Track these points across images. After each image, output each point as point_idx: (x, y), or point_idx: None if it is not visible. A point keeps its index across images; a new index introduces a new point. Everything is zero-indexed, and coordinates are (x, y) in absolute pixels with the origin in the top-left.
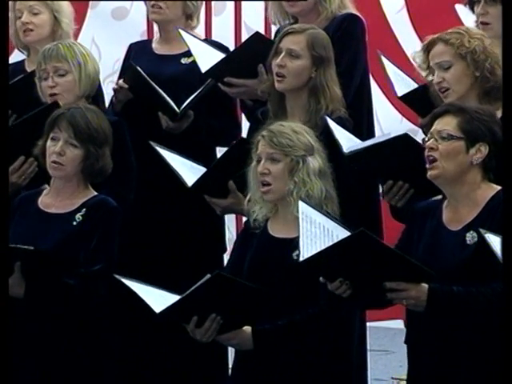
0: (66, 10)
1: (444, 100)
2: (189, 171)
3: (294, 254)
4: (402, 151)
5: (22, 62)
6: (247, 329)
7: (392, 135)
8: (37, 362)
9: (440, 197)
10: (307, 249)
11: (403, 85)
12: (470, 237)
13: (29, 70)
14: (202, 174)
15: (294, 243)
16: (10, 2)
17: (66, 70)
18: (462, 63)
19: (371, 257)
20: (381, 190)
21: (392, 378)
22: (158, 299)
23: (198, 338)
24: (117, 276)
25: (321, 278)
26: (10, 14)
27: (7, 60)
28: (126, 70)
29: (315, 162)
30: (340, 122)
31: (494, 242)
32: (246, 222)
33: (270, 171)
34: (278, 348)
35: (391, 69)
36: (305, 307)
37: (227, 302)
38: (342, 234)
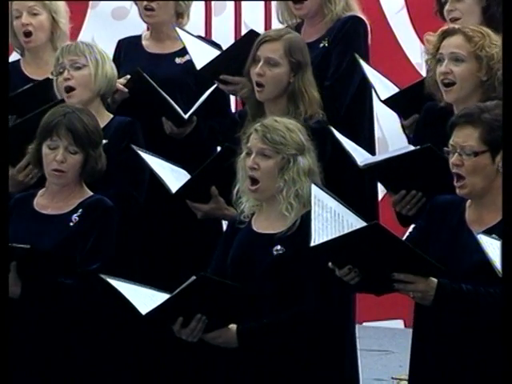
0: (63, 9)
1: (444, 94)
2: (171, 175)
3: (274, 250)
4: (424, 163)
5: (17, 62)
6: (232, 327)
7: (412, 148)
8: (34, 361)
9: None
10: (318, 234)
11: (383, 87)
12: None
13: (25, 69)
14: (186, 180)
15: (275, 239)
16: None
17: (83, 64)
18: (475, 63)
19: (383, 248)
20: (384, 195)
21: (392, 378)
22: (145, 300)
23: (184, 337)
24: (103, 276)
25: (330, 264)
26: None
27: (7, 60)
28: (132, 76)
29: (305, 161)
30: (319, 126)
31: (486, 242)
32: (230, 220)
33: (260, 167)
34: (263, 346)
35: (370, 72)
36: (290, 305)
37: (212, 302)
38: (352, 219)
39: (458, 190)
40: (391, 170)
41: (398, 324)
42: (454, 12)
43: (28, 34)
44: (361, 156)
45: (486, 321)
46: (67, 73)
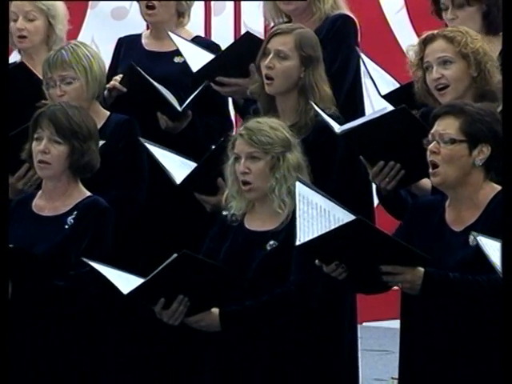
0: (62, 14)
1: (439, 97)
2: (178, 167)
3: (268, 245)
4: (399, 126)
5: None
6: (215, 311)
7: (388, 109)
8: (29, 363)
9: (429, 186)
10: (304, 231)
11: (384, 83)
12: (472, 238)
13: None
14: (190, 171)
15: (268, 235)
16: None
17: (73, 78)
18: (463, 62)
19: (368, 243)
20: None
21: (392, 378)
22: (128, 282)
23: (166, 320)
24: (85, 259)
25: (316, 261)
26: None
27: (7, 60)
28: (126, 71)
29: (294, 156)
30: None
31: (487, 244)
32: (220, 216)
33: (251, 170)
34: (246, 329)
35: (372, 67)
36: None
37: (194, 282)
38: (339, 213)
39: (431, 178)
40: (368, 135)
41: (398, 324)
42: (456, 20)
43: (22, 38)
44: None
45: (476, 316)
46: (59, 90)
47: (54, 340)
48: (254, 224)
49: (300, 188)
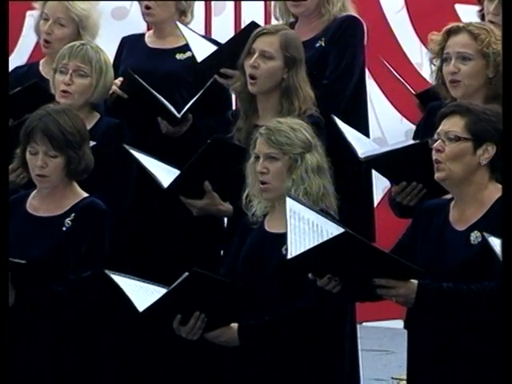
0: (93, 26)
1: (450, 89)
2: (164, 173)
3: (283, 249)
4: (422, 157)
5: (37, 64)
6: (233, 326)
7: (412, 142)
8: (30, 368)
9: (449, 196)
10: (295, 246)
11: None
12: (475, 237)
13: (43, 71)
14: (177, 175)
15: (285, 238)
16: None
17: (87, 73)
18: (482, 61)
19: (357, 256)
20: (389, 186)
21: (392, 378)
22: (145, 297)
23: (184, 335)
24: (107, 271)
25: (310, 275)
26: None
27: (7, 60)
28: (124, 77)
29: (313, 158)
30: (312, 119)
31: (497, 244)
32: (244, 217)
33: (269, 170)
34: (264, 344)
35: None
36: (291, 302)
37: (208, 299)
38: (332, 229)
39: (435, 175)
40: (391, 162)
41: (398, 324)
42: (497, 17)
43: (47, 42)
44: (364, 146)
45: (471, 317)
46: (69, 78)
47: (53, 345)
48: (272, 225)
49: (291, 204)
